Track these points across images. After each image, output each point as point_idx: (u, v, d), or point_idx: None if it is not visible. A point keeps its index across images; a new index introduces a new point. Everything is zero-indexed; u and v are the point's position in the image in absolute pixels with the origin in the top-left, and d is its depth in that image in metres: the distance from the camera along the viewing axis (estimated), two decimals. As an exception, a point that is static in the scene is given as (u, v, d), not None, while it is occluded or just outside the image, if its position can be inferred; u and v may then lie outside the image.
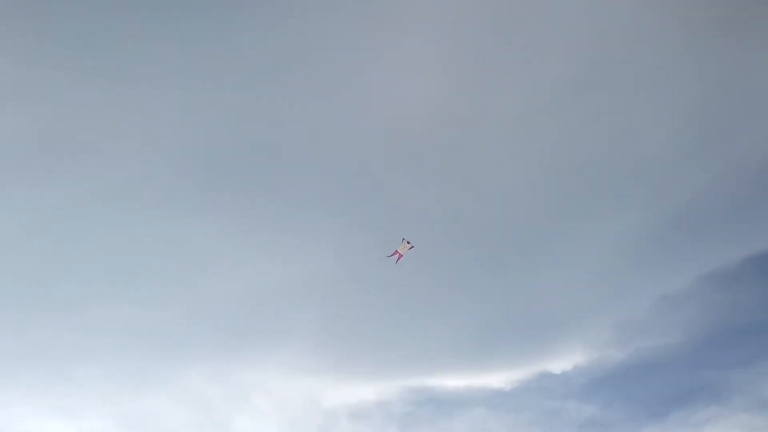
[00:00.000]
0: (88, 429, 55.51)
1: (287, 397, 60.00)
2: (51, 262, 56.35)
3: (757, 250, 58.65)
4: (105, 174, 55.67)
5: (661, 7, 55.77)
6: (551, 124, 58.38)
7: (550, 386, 60.62)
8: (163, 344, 57.57)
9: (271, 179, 57.98)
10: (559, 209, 59.10)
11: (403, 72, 56.52)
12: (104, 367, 56.86)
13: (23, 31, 52.28)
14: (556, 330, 60.78)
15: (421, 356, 60.03)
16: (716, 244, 60.03)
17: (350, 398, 59.97)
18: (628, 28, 56.08)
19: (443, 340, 60.43)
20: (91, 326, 56.60)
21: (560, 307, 60.46)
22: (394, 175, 58.52)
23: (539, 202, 59.20)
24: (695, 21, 55.70)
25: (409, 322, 59.67)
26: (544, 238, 59.47)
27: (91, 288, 56.89)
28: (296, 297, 58.56)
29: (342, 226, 57.90)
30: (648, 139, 58.46)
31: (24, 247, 55.75)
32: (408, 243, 44.70)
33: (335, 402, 59.98)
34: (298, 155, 57.20)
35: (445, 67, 57.24)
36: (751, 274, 59.71)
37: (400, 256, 44.83)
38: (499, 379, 60.55)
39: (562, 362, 60.93)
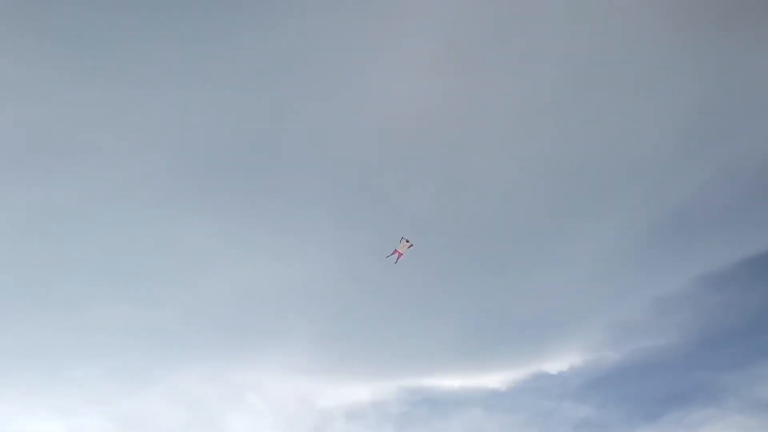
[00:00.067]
0: (84, 428, 55.68)
1: (283, 397, 60.23)
2: (48, 262, 56.33)
3: (752, 252, 58.94)
4: (104, 174, 55.74)
5: (661, 7, 55.80)
6: (549, 124, 58.52)
7: (545, 387, 61.05)
8: (159, 344, 57.75)
9: (269, 179, 58.09)
10: (555, 210, 59.27)
11: (402, 72, 56.55)
12: (100, 366, 57.00)
13: (23, 31, 52.20)
14: (552, 330, 61.09)
15: (417, 356, 60.17)
16: (712, 245, 60.28)
17: (346, 398, 60.17)
18: (627, 28, 56.12)
19: (439, 340, 60.64)
20: (87, 326, 56.75)
21: (556, 307, 60.76)
22: (392, 175, 58.67)
23: (536, 202, 59.39)
24: (695, 21, 55.73)
25: (404, 322, 59.85)
26: (540, 238, 59.69)
27: (88, 288, 57.00)
28: (292, 297, 58.79)
29: (339, 226, 58.09)
30: (646, 139, 58.56)
31: (21, 246, 55.75)
32: (407, 242, 44.66)
33: (331, 402, 60.22)
34: (297, 155, 57.32)
35: (444, 67, 57.26)
36: (746, 276, 60.15)
37: (400, 255, 44.79)
38: (494, 379, 60.86)
39: (558, 363, 61.28)
